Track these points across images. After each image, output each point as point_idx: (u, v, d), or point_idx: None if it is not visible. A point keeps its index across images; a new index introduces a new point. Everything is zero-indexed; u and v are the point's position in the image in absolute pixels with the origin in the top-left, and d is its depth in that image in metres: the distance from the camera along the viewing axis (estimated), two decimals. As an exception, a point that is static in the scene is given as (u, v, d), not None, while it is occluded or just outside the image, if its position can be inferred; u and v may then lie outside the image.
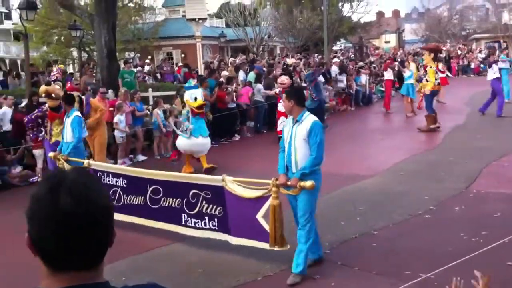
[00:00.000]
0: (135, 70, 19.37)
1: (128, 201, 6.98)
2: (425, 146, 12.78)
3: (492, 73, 16.07)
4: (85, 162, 7.88)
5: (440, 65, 19.67)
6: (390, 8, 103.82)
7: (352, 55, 33.07)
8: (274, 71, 18.35)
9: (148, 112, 14.33)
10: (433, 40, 49.54)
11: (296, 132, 5.59)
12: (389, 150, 12.46)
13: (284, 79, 13.22)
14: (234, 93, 16.01)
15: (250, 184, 5.89)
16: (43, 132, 10.76)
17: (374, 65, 26.65)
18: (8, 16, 50.00)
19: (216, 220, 6.07)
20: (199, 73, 19.03)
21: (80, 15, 18.65)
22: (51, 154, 8.73)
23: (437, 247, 6.16)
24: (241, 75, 19.09)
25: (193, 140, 10.60)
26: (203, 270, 5.91)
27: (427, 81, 14.26)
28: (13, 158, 11.57)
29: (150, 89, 17.42)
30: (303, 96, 6.02)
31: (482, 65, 33.46)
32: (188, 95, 10.71)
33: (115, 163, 12.67)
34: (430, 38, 55.37)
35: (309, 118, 5.61)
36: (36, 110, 11.22)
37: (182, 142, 10.74)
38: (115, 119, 12.60)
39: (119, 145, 12.77)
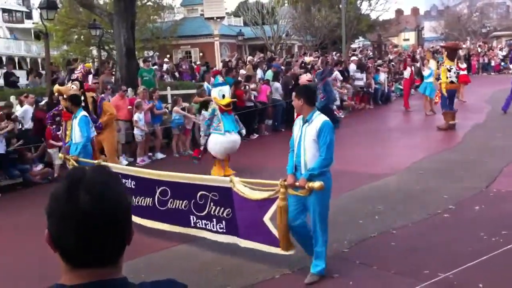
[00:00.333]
0: (153, 68, 19.48)
1: (136, 203, 6.79)
2: (445, 145, 12.68)
3: None
4: (95, 162, 7.72)
5: (459, 63, 19.56)
6: (409, 5, 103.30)
7: (371, 53, 32.88)
8: (292, 69, 18.33)
9: (167, 111, 14.43)
10: (453, 38, 49.13)
11: (305, 132, 5.45)
12: (408, 149, 12.38)
13: (308, 78, 13.15)
14: (254, 92, 16.02)
15: (258, 185, 5.75)
16: (61, 131, 10.85)
17: (393, 63, 26.49)
18: (29, 16, 50.60)
19: (224, 222, 5.93)
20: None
21: (99, 14, 18.82)
22: (60, 155, 8.64)
23: (456, 246, 6.11)
24: (259, 73, 19.11)
25: (228, 137, 10.16)
26: (221, 268, 5.94)
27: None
28: (34, 156, 11.72)
29: (168, 88, 17.54)
30: (313, 95, 5.83)
31: (502, 63, 33.10)
32: (216, 92, 10.32)
33: (135, 161, 12.81)
34: (450, 35, 54.89)
35: (319, 118, 5.45)
36: (55, 107, 11.29)
37: (218, 140, 10.18)
38: (134, 117, 12.70)
39: (138, 143, 12.88)
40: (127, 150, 13.31)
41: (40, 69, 29.71)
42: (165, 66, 24.70)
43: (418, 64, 20.75)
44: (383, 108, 21.01)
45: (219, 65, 20.98)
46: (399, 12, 70.60)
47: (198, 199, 6.11)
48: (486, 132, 13.66)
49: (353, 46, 43.52)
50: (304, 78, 13.33)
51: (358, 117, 18.68)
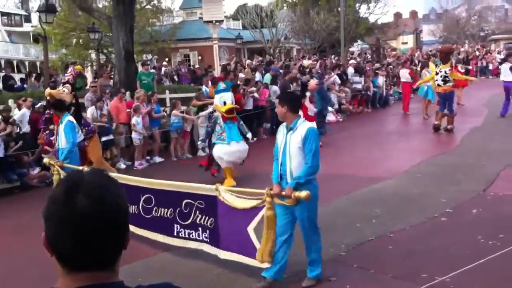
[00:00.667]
0: (152, 71, 19.49)
1: None
2: (443, 148, 12.69)
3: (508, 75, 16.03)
4: (80, 169, 7.51)
5: (459, 66, 19.65)
6: (408, 9, 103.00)
7: (369, 57, 32.94)
8: (290, 73, 18.36)
9: (165, 114, 14.43)
10: (451, 41, 49.18)
11: (290, 140, 5.30)
12: (406, 152, 12.40)
13: (316, 82, 13.09)
14: (256, 94, 16.00)
15: (244, 193, 5.58)
16: (54, 135, 10.74)
17: (391, 67, 26.52)
18: (28, 19, 50.59)
19: (208, 231, 5.80)
20: (215, 75, 19.10)
21: (98, 17, 18.85)
22: (45, 160, 8.44)
23: (454, 250, 6.12)
24: (258, 76, 19.13)
25: (233, 146, 9.78)
26: (218, 273, 5.90)
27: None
28: (31, 159, 11.71)
29: (167, 91, 17.55)
30: (297, 102, 5.69)
31: (500, 66, 33.13)
32: (217, 99, 9.93)
33: (133, 164, 12.81)
34: (448, 39, 54.96)
35: (304, 125, 5.31)
36: (46, 111, 11.09)
37: (223, 150, 9.84)
38: (132, 121, 12.71)
39: (136, 147, 12.88)
40: (125, 153, 13.31)
41: (39, 72, 29.68)
42: (163, 70, 24.72)
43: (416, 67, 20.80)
44: (381, 111, 21.03)
45: (218, 69, 20.98)
46: (397, 15, 70.59)
47: (183, 207, 5.95)
48: (484, 135, 13.67)
49: (351, 49, 43.59)
50: (313, 83, 13.29)
51: (356, 120, 18.69)
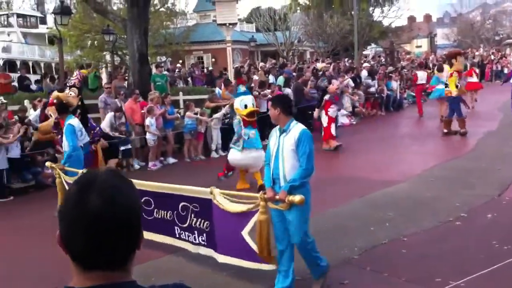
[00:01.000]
0: (166, 73, 19.57)
1: None
2: (457, 152, 12.61)
3: None
4: (80, 172, 7.32)
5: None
6: (422, 12, 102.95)
7: (383, 60, 32.84)
8: (304, 76, 18.37)
9: (179, 116, 14.50)
10: (466, 45, 48.91)
11: (283, 142, 5.21)
12: (419, 156, 12.34)
13: (337, 85, 13.00)
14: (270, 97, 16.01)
15: (238, 197, 5.50)
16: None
17: (405, 70, 26.41)
18: (43, 21, 50.95)
19: (204, 235, 5.76)
20: (229, 78, 19.16)
21: (113, 20, 18.93)
22: (48, 163, 8.41)
23: (468, 254, 6.07)
24: (271, 79, 19.16)
25: (246, 154, 9.61)
26: (226, 273, 5.88)
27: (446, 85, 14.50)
28: (44, 159, 11.77)
29: (181, 93, 17.62)
30: (290, 104, 5.60)
31: (516, 71, 32.85)
32: (238, 103, 9.70)
33: (146, 165, 12.88)
34: (463, 43, 54.65)
35: (297, 127, 5.24)
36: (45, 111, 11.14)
37: (234, 156, 9.82)
38: (146, 122, 12.78)
39: (150, 148, 12.95)
40: (140, 154, 13.39)
41: (54, 73, 29.90)
42: (177, 72, 24.80)
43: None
44: (395, 114, 20.94)
45: (231, 71, 21.04)
46: (411, 19, 70.33)
47: (180, 210, 5.95)
48: (498, 139, 13.56)
49: (365, 52, 43.49)
50: (333, 88, 13.23)
51: (370, 123, 18.64)
